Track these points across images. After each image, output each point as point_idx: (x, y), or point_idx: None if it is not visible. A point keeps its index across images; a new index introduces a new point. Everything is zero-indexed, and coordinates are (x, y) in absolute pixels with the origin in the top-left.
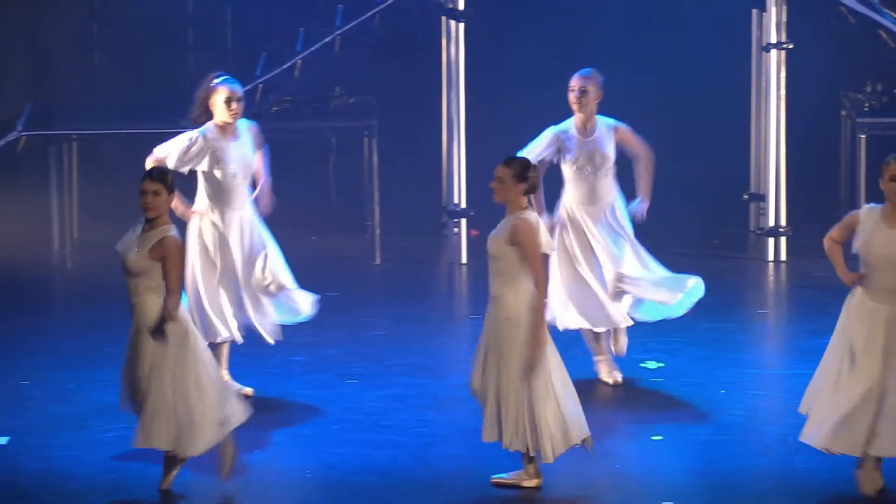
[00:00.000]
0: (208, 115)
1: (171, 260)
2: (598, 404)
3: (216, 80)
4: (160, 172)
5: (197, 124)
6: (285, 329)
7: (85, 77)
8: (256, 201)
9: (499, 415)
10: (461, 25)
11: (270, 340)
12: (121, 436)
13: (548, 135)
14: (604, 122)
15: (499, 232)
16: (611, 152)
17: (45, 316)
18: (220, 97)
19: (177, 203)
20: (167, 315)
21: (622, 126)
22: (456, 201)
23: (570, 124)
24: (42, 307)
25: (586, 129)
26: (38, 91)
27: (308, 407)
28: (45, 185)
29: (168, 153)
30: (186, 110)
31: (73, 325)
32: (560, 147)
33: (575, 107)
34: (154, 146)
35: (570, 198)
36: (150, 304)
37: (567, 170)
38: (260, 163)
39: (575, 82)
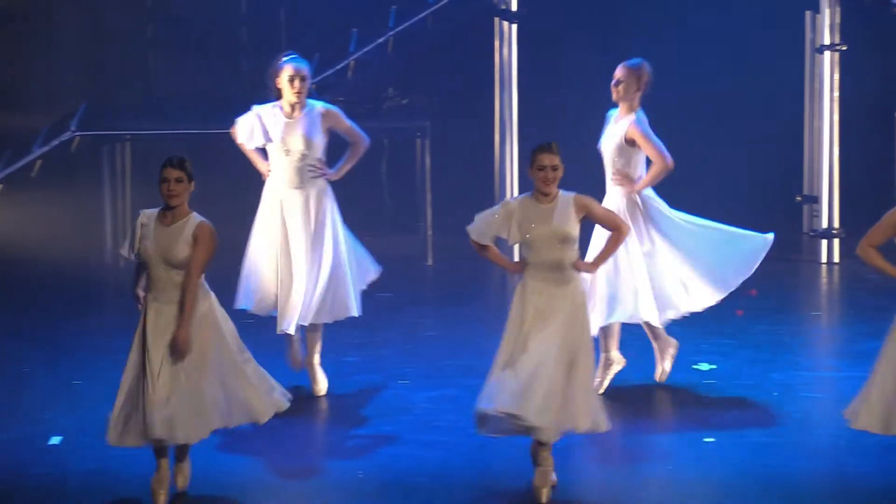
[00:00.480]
0: (279, 95)
1: (202, 244)
2: (650, 406)
3: (283, 59)
4: (179, 160)
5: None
6: (339, 331)
7: (139, 77)
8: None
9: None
10: (514, 27)
11: (291, 329)
12: None
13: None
14: (635, 116)
15: (557, 216)
16: (623, 145)
17: (98, 315)
18: (285, 75)
19: (254, 157)
20: (189, 301)
21: (635, 127)
22: None
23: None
24: (95, 306)
25: (620, 118)
26: (93, 91)
27: (359, 407)
28: (99, 185)
29: (239, 129)
30: (240, 111)
31: (126, 324)
32: None
33: (613, 95)
34: (207, 147)
35: None
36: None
37: None
38: (354, 137)
39: (616, 71)
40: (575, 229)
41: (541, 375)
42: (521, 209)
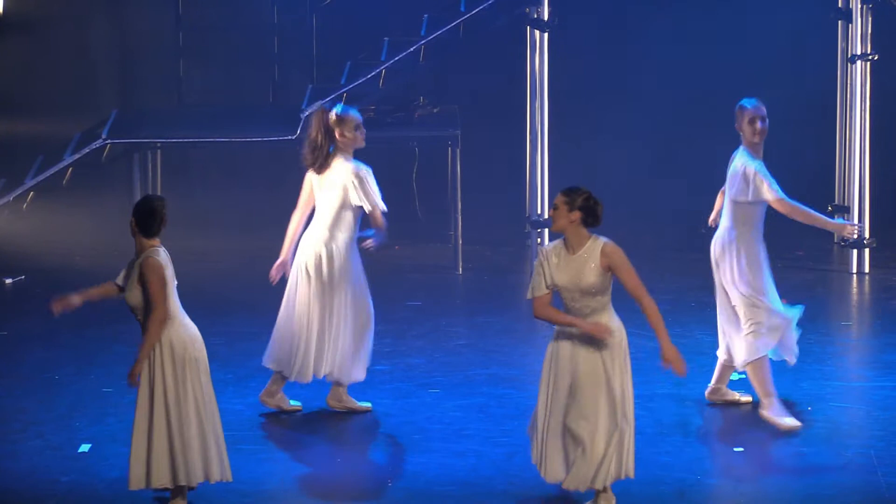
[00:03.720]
0: (332, 143)
1: (147, 276)
2: (679, 414)
3: (337, 110)
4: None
5: (317, 160)
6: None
7: (170, 85)
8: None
9: (587, 451)
10: (546, 36)
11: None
12: None
13: None
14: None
15: (582, 267)
16: (737, 190)
17: (127, 324)
18: (352, 123)
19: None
20: (152, 335)
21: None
22: (539, 211)
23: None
24: (124, 315)
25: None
26: (124, 99)
27: (390, 416)
28: (130, 193)
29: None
30: (271, 120)
31: None
32: None
33: (762, 134)
34: (239, 155)
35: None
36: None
37: None
38: None
39: (763, 109)
40: (600, 279)
41: (593, 442)
42: (554, 255)
